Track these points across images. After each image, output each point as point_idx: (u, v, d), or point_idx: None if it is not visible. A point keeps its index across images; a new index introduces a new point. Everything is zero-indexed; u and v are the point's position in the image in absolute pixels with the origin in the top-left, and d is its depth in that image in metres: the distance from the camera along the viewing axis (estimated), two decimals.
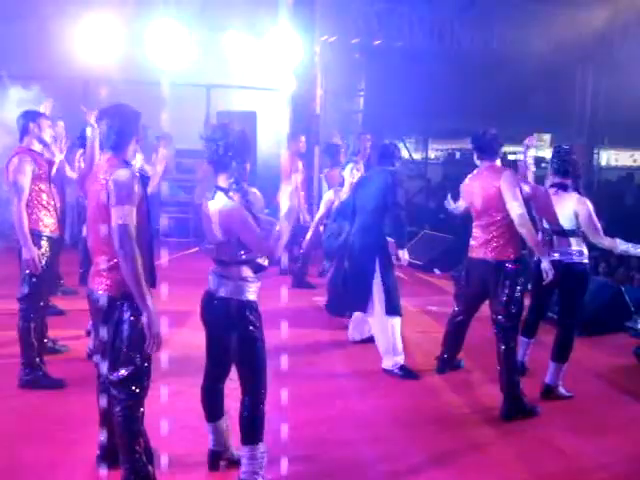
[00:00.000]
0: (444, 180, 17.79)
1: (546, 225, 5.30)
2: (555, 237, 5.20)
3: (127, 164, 3.51)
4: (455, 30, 14.81)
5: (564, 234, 5.15)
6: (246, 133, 3.68)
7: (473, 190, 5.13)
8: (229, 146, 3.55)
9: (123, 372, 3.40)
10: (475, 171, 5.19)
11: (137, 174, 3.48)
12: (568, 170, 5.18)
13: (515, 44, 14.79)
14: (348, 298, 6.10)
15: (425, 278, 9.37)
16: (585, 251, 5.18)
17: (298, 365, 5.40)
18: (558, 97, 17.81)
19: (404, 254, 5.79)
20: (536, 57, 14.88)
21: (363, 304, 5.82)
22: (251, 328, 3.60)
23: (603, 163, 20.37)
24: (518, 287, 4.91)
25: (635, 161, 21.47)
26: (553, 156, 5.29)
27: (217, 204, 3.54)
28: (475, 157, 5.18)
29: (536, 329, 5.50)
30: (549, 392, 5.25)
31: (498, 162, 5.09)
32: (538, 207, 5.32)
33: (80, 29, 11.44)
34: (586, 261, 5.20)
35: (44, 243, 5.20)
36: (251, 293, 3.63)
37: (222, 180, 3.60)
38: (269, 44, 12.11)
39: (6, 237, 5.48)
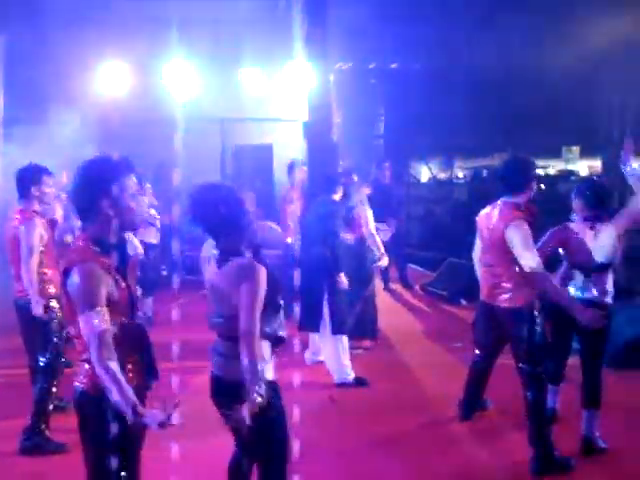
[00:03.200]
0: (470, 200, 17.40)
1: None
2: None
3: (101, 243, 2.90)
4: (472, 47, 14.50)
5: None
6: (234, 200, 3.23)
7: (484, 224, 4.77)
8: (224, 217, 3.15)
9: None
10: (494, 204, 4.78)
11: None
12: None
13: (536, 57, 14.46)
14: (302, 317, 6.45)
15: (450, 310, 9.01)
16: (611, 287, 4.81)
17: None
18: (584, 109, 17.40)
19: (341, 277, 6.20)
20: (559, 69, 14.52)
21: (315, 324, 6.29)
22: (272, 413, 3.11)
23: None
24: (538, 331, 4.53)
25: None
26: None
27: (232, 266, 3.13)
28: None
29: (561, 375, 5.07)
30: (589, 445, 4.75)
31: (522, 198, 4.60)
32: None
33: (95, 70, 11.55)
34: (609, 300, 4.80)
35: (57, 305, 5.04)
36: (269, 371, 3.16)
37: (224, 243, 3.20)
38: (283, 75, 12.05)
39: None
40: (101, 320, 2.71)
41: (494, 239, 4.60)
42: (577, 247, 4.76)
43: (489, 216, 4.73)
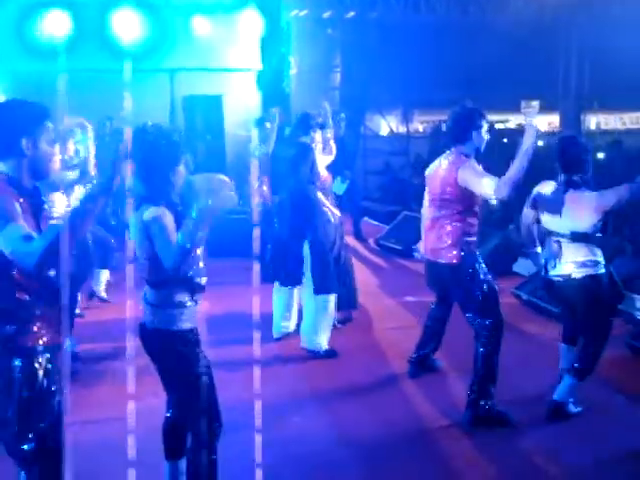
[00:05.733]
0: (431, 154, 17.21)
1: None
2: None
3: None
4: None
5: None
6: (165, 138, 3.12)
7: (433, 176, 4.58)
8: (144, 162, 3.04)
9: (26, 447, 2.63)
10: (443, 155, 4.60)
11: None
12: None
13: (494, 9, 14.22)
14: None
15: (404, 264, 8.84)
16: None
17: None
18: (543, 62, 17.26)
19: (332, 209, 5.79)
20: (516, 22, 14.30)
21: (296, 277, 5.77)
22: (185, 362, 3.12)
23: (592, 128, 19.79)
24: (477, 282, 4.38)
25: (624, 124, 20.93)
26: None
27: (146, 214, 3.06)
28: None
29: (574, 335, 4.67)
30: (557, 411, 4.44)
31: (468, 148, 4.40)
32: None
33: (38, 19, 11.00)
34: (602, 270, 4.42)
35: None
36: (184, 321, 3.11)
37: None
38: (235, 23, 11.61)
39: None
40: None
41: (444, 187, 4.42)
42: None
43: (438, 167, 4.57)
